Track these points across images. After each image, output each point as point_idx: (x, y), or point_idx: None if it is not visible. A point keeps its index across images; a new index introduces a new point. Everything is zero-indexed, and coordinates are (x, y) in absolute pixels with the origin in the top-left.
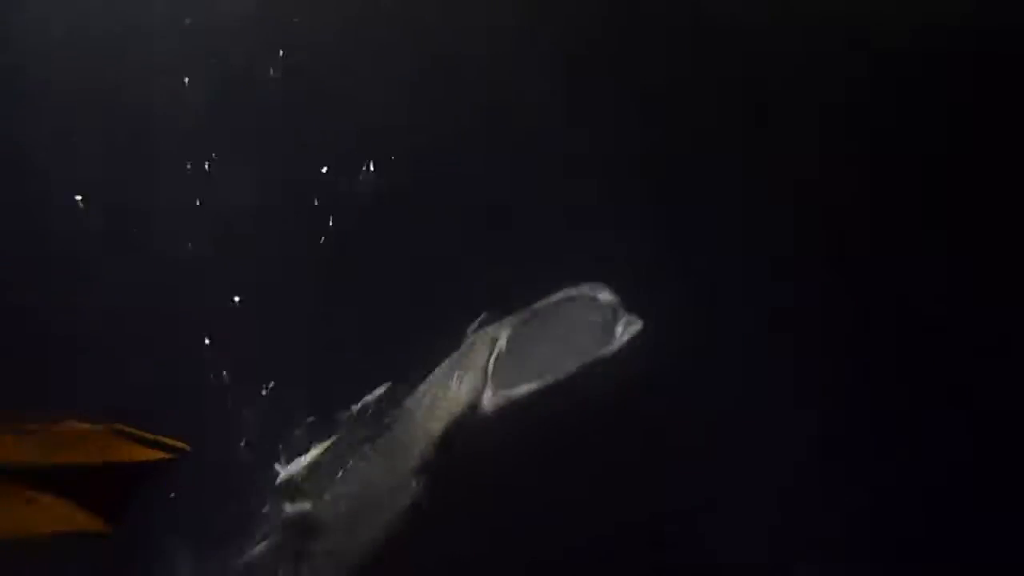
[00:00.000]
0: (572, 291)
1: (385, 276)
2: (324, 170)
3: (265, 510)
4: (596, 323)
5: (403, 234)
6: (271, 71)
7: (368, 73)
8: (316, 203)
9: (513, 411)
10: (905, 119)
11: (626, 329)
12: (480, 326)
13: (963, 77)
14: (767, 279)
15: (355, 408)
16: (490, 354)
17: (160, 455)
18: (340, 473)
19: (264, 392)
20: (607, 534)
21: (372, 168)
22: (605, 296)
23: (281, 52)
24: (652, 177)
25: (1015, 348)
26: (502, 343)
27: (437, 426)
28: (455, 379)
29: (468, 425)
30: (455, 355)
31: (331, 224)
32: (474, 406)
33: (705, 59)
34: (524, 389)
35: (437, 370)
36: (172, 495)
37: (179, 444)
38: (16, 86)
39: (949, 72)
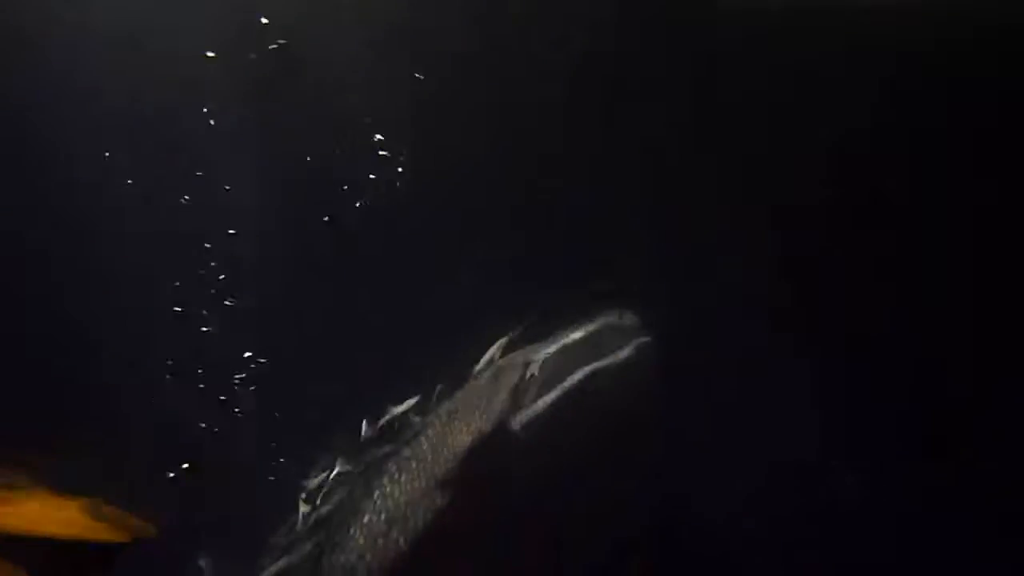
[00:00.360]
0: (603, 319)
1: (408, 290)
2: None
3: (288, 523)
4: (620, 348)
5: (425, 247)
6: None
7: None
8: (339, 214)
9: (537, 427)
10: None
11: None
12: (506, 348)
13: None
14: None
15: (380, 422)
16: (521, 377)
17: (127, 538)
18: (363, 487)
19: (289, 406)
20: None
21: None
22: (630, 319)
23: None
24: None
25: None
26: (534, 368)
27: (463, 442)
28: (484, 398)
29: (494, 443)
30: (484, 375)
31: (353, 237)
32: (502, 425)
33: (705, 58)
34: (543, 402)
35: (465, 388)
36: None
37: (148, 529)
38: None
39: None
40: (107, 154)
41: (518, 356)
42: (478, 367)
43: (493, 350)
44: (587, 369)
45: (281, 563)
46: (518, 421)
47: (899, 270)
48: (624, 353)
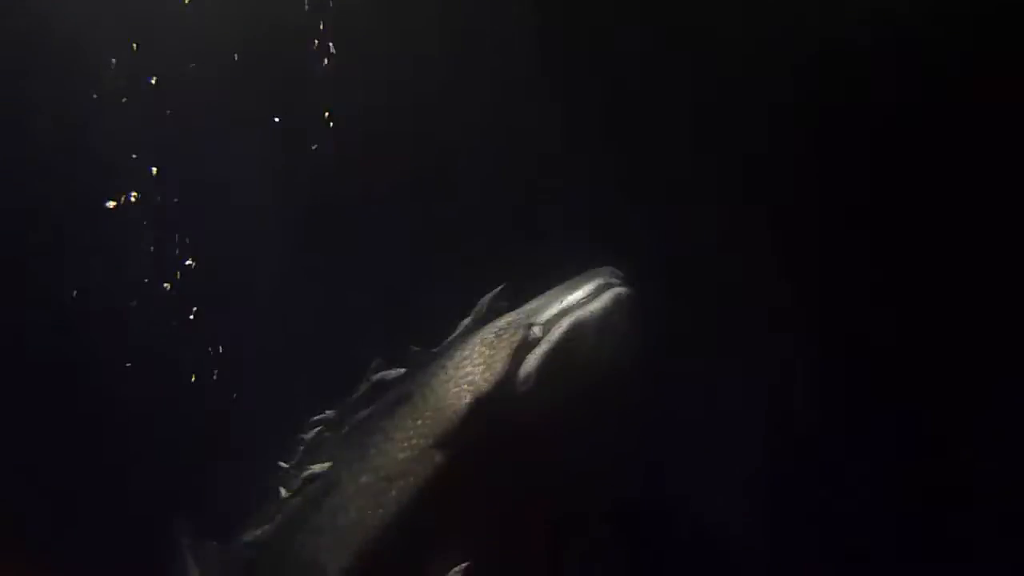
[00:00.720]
0: (595, 276)
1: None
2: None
3: (273, 487)
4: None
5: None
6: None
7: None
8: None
9: (533, 383)
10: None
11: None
12: (499, 300)
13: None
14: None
15: (371, 380)
16: (524, 338)
17: None
18: (355, 446)
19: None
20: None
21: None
22: (618, 275)
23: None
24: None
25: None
26: (537, 331)
27: (464, 401)
28: (484, 358)
29: (497, 401)
30: (482, 335)
31: (334, 216)
32: (504, 385)
33: (705, 57)
34: (533, 357)
35: (459, 350)
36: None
37: None
38: None
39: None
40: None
41: (520, 317)
42: (465, 323)
43: (480, 306)
44: (571, 320)
45: (262, 530)
46: (520, 381)
47: (901, 267)
48: (603, 302)
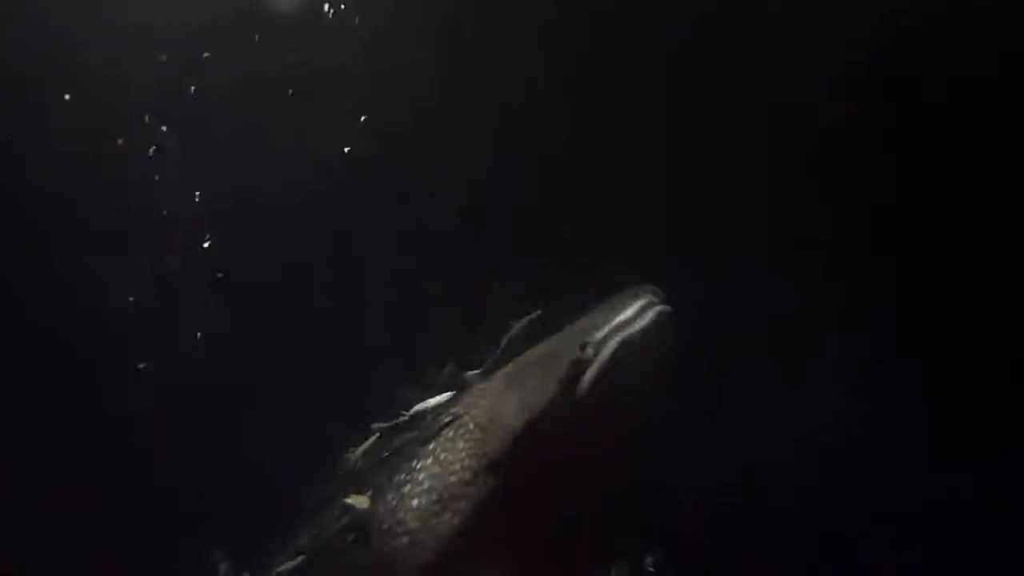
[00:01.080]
0: (634, 296)
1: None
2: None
3: (312, 518)
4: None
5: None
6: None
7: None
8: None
9: (586, 404)
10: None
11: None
12: (532, 325)
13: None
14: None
15: (413, 410)
16: (578, 358)
17: None
18: (401, 469)
19: (315, 397)
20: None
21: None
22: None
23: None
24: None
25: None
26: (590, 351)
27: (516, 422)
28: (536, 379)
29: (550, 422)
30: (532, 354)
31: (363, 233)
32: (559, 405)
33: (706, 56)
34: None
35: (507, 371)
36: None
37: None
38: None
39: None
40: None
41: (570, 339)
42: (501, 346)
43: (515, 331)
44: (618, 340)
45: (298, 561)
46: (575, 401)
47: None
48: (647, 321)
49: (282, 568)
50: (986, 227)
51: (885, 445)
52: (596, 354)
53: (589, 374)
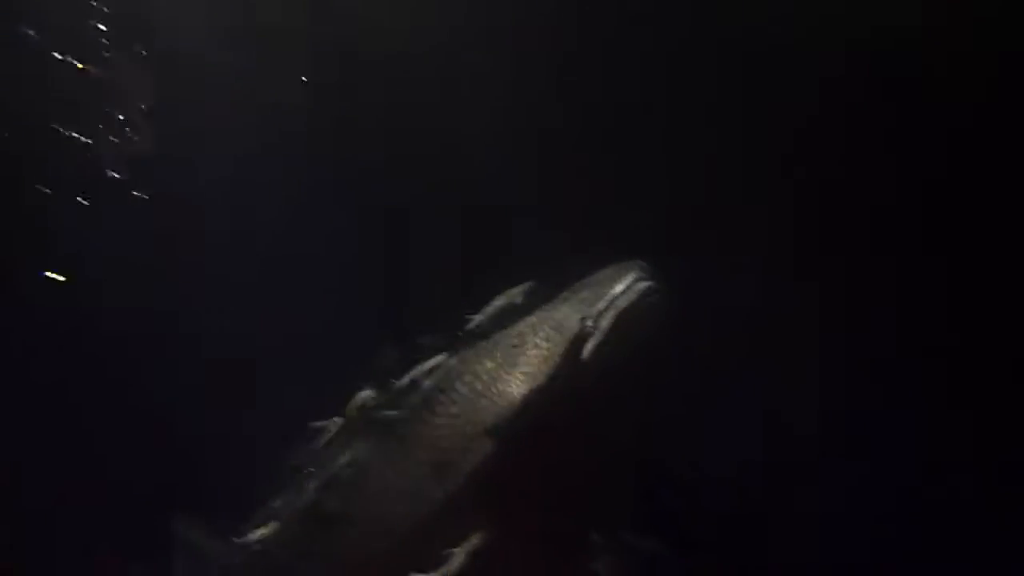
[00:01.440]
0: (628, 270)
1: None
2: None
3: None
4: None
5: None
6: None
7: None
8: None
9: (588, 375)
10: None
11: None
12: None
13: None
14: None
15: (408, 377)
16: (580, 332)
17: None
18: (383, 437)
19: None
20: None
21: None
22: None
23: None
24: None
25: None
26: (590, 323)
27: (516, 392)
28: (538, 351)
29: (551, 394)
30: (531, 325)
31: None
32: (560, 377)
33: (705, 55)
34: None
35: (505, 342)
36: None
37: None
38: None
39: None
40: None
41: (572, 311)
42: (487, 316)
43: (505, 300)
44: (615, 312)
45: (267, 537)
46: (579, 370)
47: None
48: (639, 294)
49: (255, 535)
50: (986, 227)
51: (885, 445)
52: (596, 327)
53: (590, 346)
